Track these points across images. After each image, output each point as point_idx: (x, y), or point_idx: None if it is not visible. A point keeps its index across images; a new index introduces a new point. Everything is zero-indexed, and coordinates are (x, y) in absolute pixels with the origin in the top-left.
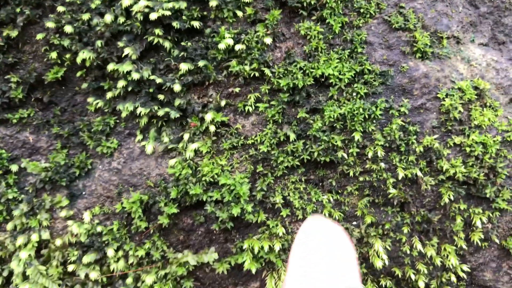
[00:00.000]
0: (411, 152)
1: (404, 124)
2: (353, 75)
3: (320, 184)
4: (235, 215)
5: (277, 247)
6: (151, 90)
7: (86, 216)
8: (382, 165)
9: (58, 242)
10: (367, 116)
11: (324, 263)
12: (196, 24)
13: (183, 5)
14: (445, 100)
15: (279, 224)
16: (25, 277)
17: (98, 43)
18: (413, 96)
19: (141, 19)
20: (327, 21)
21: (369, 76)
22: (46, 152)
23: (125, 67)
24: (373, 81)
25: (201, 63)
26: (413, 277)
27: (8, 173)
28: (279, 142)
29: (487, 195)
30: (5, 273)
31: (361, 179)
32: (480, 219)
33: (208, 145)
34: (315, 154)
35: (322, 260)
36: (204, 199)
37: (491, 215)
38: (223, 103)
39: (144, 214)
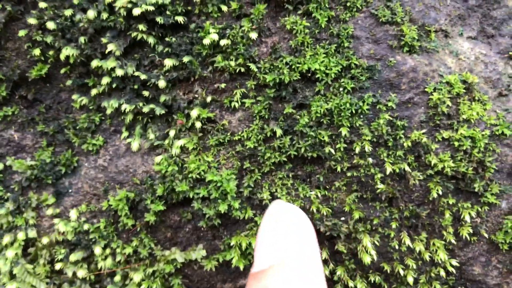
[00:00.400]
0: (399, 147)
1: (391, 118)
2: (340, 70)
3: (308, 179)
4: (223, 212)
5: None
6: (135, 87)
7: (73, 214)
8: (370, 160)
9: (45, 240)
10: (354, 111)
11: (290, 254)
12: (180, 19)
13: (167, 0)
14: (433, 94)
15: None
16: (12, 276)
17: (82, 39)
18: (401, 91)
19: (125, 15)
20: (313, 15)
21: (356, 70)
22: (31, 150)
23: (109, 63)
24: (360, 76)
25: (186, 59)
26: (402, 272)
27: None
28: (266, 138)
29: (476, 190)
30: None
31: (348, 174)
32: (469, 213)
33: (194, 141)
34: (302, 149)
35: (287, 249)
36: (191, 196)
37: (479, 209)
38: (209, 99)
39: (130, 211)
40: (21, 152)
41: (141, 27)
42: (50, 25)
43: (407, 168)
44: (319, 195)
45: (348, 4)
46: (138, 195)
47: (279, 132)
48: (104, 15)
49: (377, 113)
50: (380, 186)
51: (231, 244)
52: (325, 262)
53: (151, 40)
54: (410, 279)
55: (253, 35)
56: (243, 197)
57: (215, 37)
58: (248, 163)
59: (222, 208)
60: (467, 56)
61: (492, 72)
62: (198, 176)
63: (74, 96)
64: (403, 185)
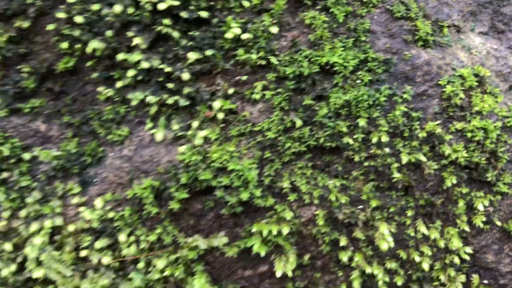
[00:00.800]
0: (415, 138)
1: (407, 110)
2: (357, 63)
3: (327, 169)
4: (244, 200)
5: (286, 230)
6: (160, 79)
7: (98, 202)
8: (387, 150)
9: (71, 228)
10: (371, 103)
11: None
12: (203, 14)
13: None
14: (446, 87)
15: (287, 209)
16: (39, 263)
17: (108, 33)
18: (416, 83)
19: (150, 10)
20: (331, 10)
21: (373, 63)
22: (57, 141)
23: (135, 56)
24: (377, 69)
25: (209, 52)
26: (417, 259)
27: (21, 161)
28: (286, 129)
29: (489, 179)
30: (19, 259)
31: (366, 164)
32: (482, 202)
33: (216, 132)
34: (321, 140)
35: None
36: (214, 185)
37: (492, 198)
38: (230, 91)
39: (155, 199)
40: (48, 143)
41: (166, 21)
42: (78, 19)
43: (422, 158)
44: (338, 184)
45: (364, 0)
46: (162, 183)
47: (298, 122)
48: (130, 10)
49: (393, 104)
50: (397, 175)
51: (252, 231)
52: (343, 248)
53: (175, 34)
54: (426, 266)
55: (274, 30)
56: (264, 186)
57: (237, 31)
58: (269, 153)
59: (244, 196)
60: (478, 51)
61: (503, 66)
62: (220, 165)
63: (100, 89)
64: (419, 175)
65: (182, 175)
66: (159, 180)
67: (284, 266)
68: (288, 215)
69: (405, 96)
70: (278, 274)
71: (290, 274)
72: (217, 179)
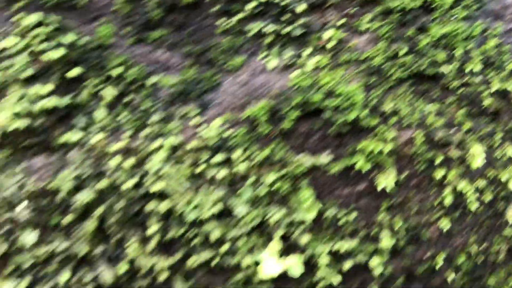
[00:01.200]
0: (504, 69)
1: (498, 44)
2: (454, 0)
3: (425, 95)
4: (350, 121)
5: (388, 148)
6: (276, 12)
7: (216, 122)
8: (478, 79)
9: (190, 145)
10: (466, 36)
11: None
12: None
13: None
14: None
15: (389, 130)
16: (158, 177)
17: None
18: (505, 21)
19: None
20: None
21: (467, 1)
22: (178, 69)
23: None
24: (471, 6)
25: None
26: (504, 178)
27: (144, 86)
28: (390, 57)
29: None
30: (139, 175)
31: (460, 91)
32: None
33: (326, 59)
34: (422, 67)
35: None
36: (323, 107)
37: None
38: (340, 22)
39: (268, 119)
40: (169, 70)
41: None
42: None
43: (510, 87)
44: (434, 108)
45: None
46: (276, 105)
47: (403, 51)
48: None
49: (485, 38)
50: (487, 102)
51: (357, 149)
52: (437, 167)
53: None
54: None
55: None
56: (369, 108)
57: None
58: (374, 79)
59: (351, 116)
60: None
61: None
62: (329, 89)
63: (219, 21)
64: (506, 102)
65: (294, 97)
66: (273, 102)
67: (384, 182)
68: (390, 135)
69: (496, 31)
70: (379, 187)
71: (389, 190)
72: (326, 101)
